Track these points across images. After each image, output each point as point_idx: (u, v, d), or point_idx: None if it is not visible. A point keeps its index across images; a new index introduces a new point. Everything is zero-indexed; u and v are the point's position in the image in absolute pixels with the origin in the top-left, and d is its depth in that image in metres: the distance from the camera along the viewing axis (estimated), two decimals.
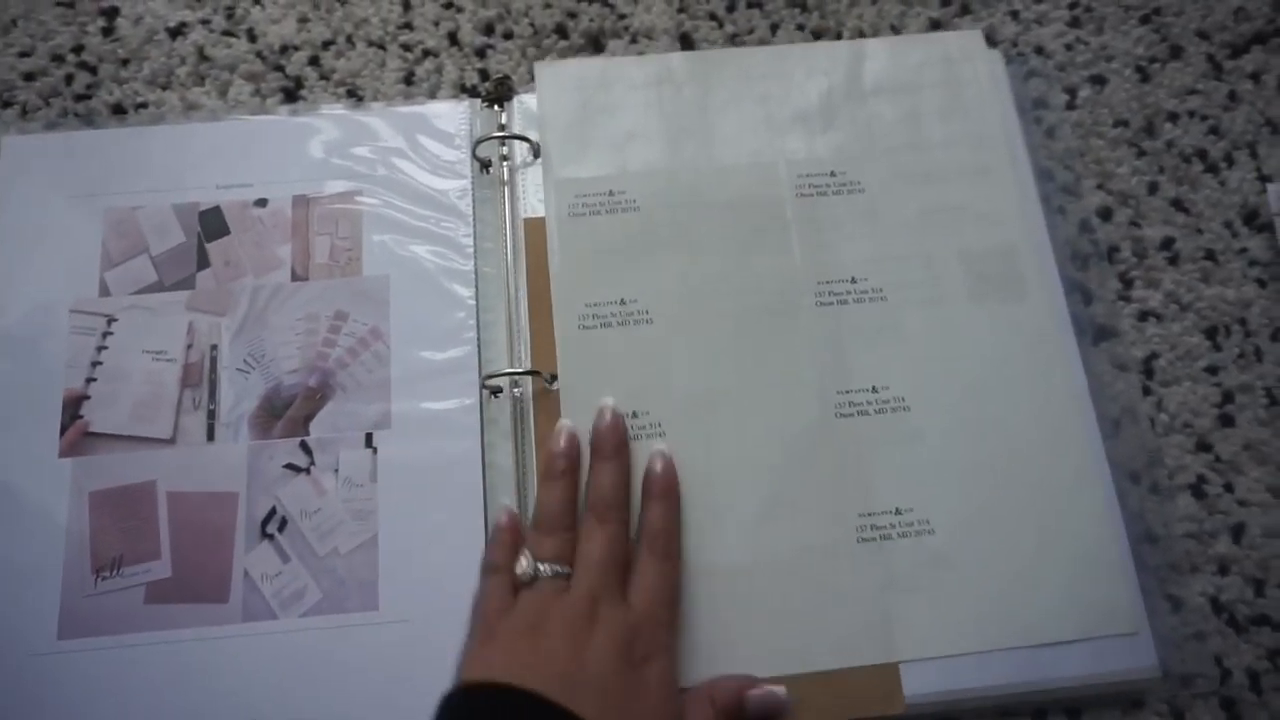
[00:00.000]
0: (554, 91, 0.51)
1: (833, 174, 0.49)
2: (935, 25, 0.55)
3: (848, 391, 0.45)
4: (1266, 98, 0.53)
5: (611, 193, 0.48)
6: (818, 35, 0.54)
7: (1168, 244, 0.50)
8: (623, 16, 0.55)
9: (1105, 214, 0.50)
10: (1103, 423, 0.45)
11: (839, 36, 0.54)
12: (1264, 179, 0.51)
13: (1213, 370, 0.48)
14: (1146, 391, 0.47)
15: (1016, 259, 0.47)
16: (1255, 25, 0.55)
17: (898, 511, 0.43)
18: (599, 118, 0.50)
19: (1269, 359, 0.48)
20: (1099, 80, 0.53)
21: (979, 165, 0.49)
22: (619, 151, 0.49)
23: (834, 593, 0.42)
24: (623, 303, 0.46)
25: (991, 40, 0.54)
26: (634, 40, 0.54)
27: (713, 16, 0.55)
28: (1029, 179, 0.50)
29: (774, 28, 0.55)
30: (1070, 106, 0.53)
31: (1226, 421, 0.47)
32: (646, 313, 0.46)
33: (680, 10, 0.55)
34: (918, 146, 0.50)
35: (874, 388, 0.45)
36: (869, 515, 0.43)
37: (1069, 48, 0.54)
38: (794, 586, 0.42)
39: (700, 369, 0.45)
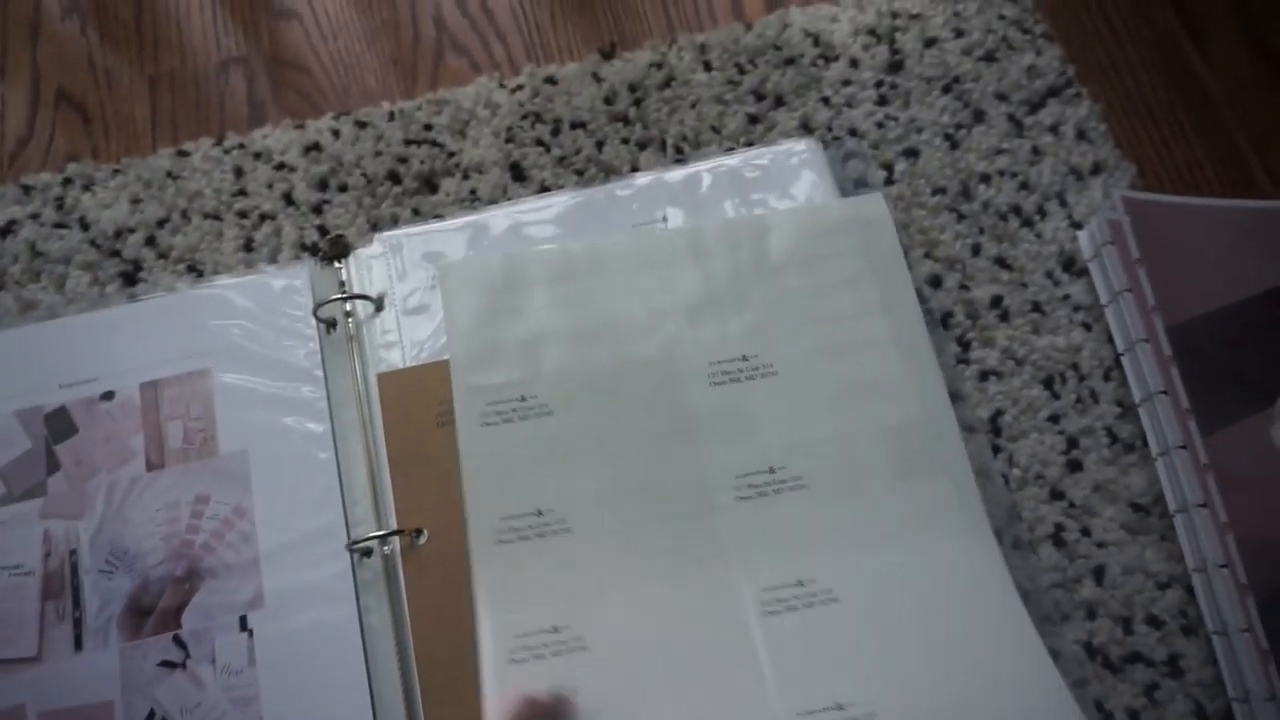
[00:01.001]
0: (457, 294, 0.49)
1: (744, 358, 0.48)
2: (753, 120, 0.57)
3: (774, 588, 0.44)
4: (1067, 147, 0.56)
5: (524, 398, 0.47)
6: (643, 146, 0.56)
7: (997, 302, 0.52)
8: (452, 154, 0.56)
9: (935, 281, 0.53)
10: None
11: (663, 145, 0.56)
12: (1075, 225, 0.54)
13: (1055, 419, 0.50)
14: (996, 450, 0.49)
15: (935, 432, 0.47)
16: (1048, 80, 0.58)
17: (840, 707, 0.41)
18: (505, 318, 0.49)
19: (1104, 399, 0.50)
20: (912, 153, 0.56)
21: (891, 335, 0.49)
22: (529, 353, 0.48)
23: None
24: (539, 514, 0.45)
25: (807, 128, 0.57)
26: (465, 176, 0.55)
27: (539, 142, 0.56)
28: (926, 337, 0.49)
29: (600, 145, 0.56)
30: (889, 182, 0.55)
31: (1075, 466, 0.49)
32: (564, 521, 0.45)
33: (508, 140, 0.56)
34: (829, 320, 0.49)
35: (800, 581, 0.44)
36: (808, 714, 0.41)
37: (880, 125, 0.57)
38: None
39: (623, 576, 0.44)
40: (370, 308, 0.51)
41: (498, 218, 0.53)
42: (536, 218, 0.53)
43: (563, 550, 0.44)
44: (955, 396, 0.49)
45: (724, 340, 0.49)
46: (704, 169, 0.54)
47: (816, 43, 0.59)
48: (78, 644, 0.44)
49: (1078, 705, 0.42)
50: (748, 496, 0.45)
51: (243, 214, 0.55)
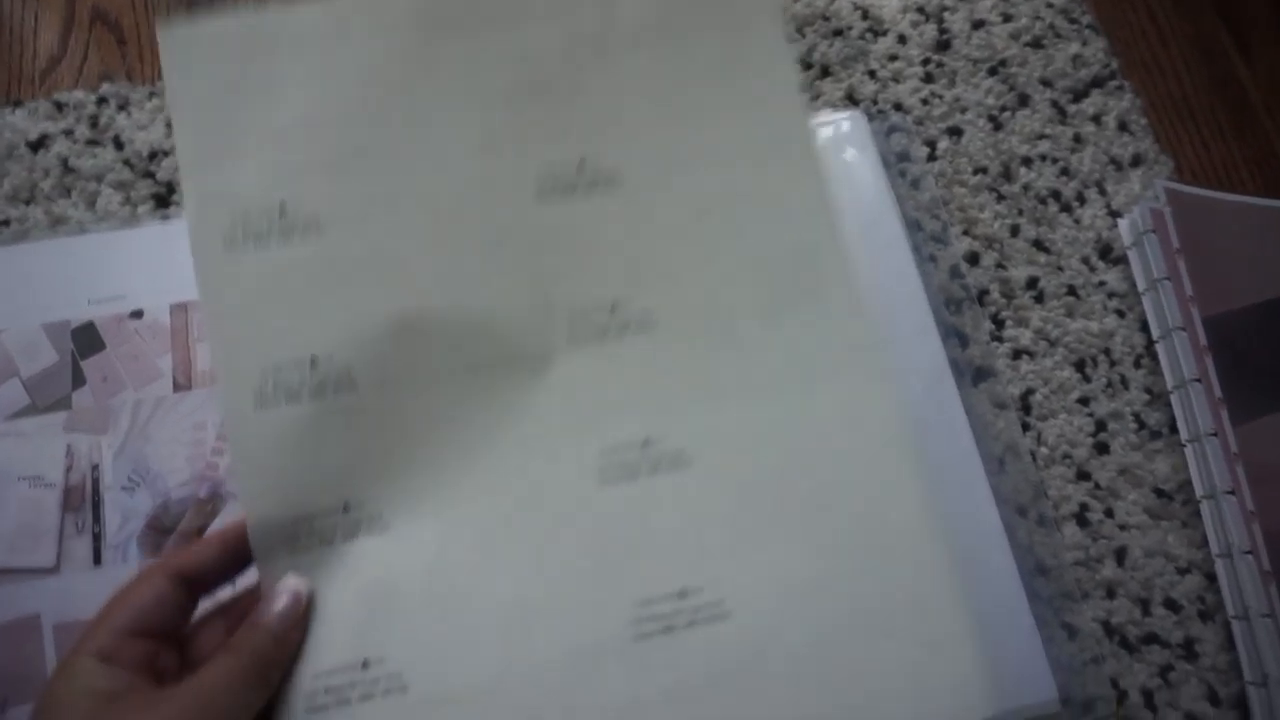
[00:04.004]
0: (184, 65, 0.35)
1: (582, 163, 0.36)
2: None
3: (614, 449, 0.35)
4: (1109, 138, 0.57)
5: (284, 208, 0.34)
6: None
7: (1033, 283, 0.52)
8: None
9: (973, 259, 0.53)
10: (988, 461, 0.47)
11: None
12: (1114, 214, 0.54)
13: (1084, 401, 0.50)
14: (1025, 427, 0.49)
15: (815, 260, 0.37)
16: (1092, 70, 0.58)
17: (683, 594, 0.34)
18: (255, 98, 0.35)
19: (1134, 385, 0.50)
20: (956, 131, 0.56)
21: (767, 140, 0.37)
22: (292, 148, 0.35)
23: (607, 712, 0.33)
24: (314, 364, 0.34)
25: (853, 99, 0.57)
26: None
27: None
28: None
29: None
30: (931, 158, 0.55)
31: (1102, 449, 0.49)
32: (349, 373, 0.34)
33: None
34: (690, 117, 0.37)
35: (647, 440, 0.36)
36: (648, 603, 0.34)
37: (925, 102, 0.57)
38: (557, 709, 0.33)
39: (432, 439, 0.35)
40: None
41: None
42: None
43: (349, 410, 0.34)
44: (988, 372, 0.50)
45: (554, 139, 0.36)
46: None
47: (865, 16, 0.59)
48: (96, 558, 0.44)
49: (959, 595, 0.34)
50: (583, 339, 0.36)
51: None
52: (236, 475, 0.34)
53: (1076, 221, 0.54)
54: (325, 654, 0.33)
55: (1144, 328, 0.51)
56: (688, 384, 0.36)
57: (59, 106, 0.55)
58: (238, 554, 0.33)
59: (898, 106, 0.57)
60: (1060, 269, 0.53)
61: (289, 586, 0.32)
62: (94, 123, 0.54)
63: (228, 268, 0.34)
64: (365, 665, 0.33)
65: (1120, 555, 0.47)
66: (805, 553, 0.35)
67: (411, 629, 0.33)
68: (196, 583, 0.32)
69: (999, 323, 0.51)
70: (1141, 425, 0.50)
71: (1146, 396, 0.50)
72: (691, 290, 0.37)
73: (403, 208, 0.35)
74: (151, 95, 0.55)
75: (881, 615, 0.34)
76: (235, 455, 0.33)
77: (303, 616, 0.32)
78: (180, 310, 0.48)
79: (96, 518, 0.45)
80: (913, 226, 0.53)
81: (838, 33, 0.59)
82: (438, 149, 0.36)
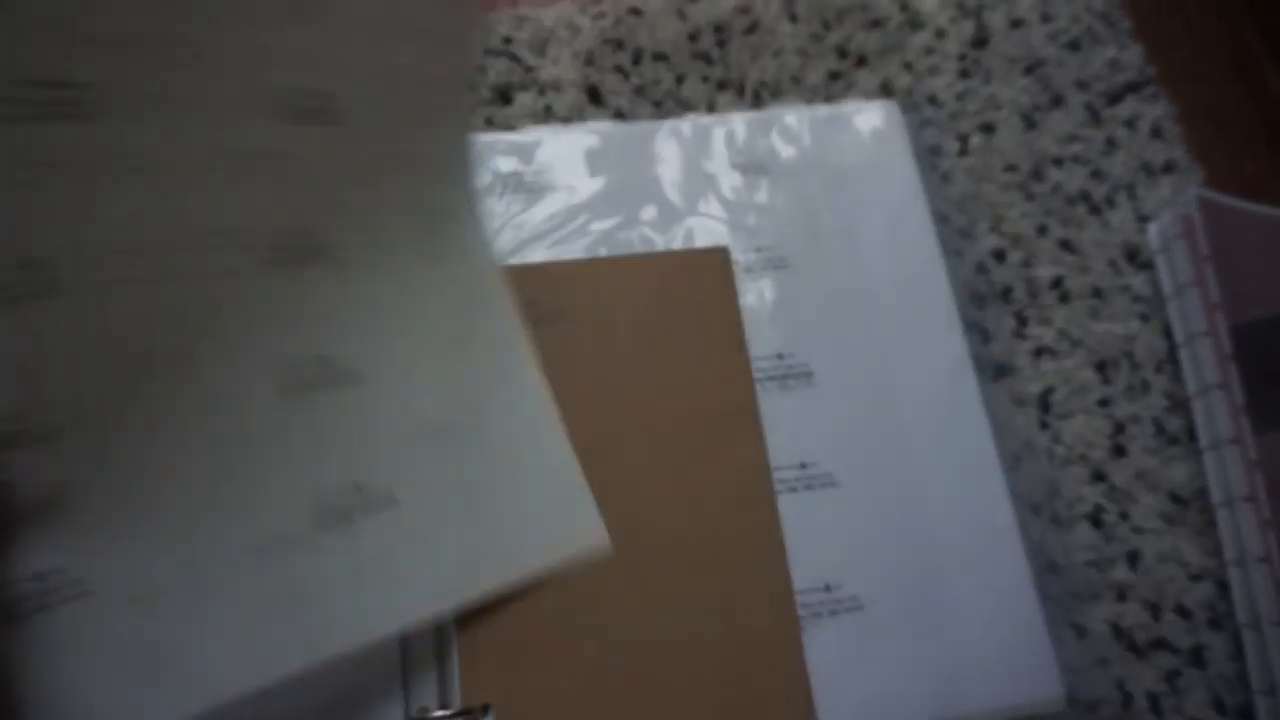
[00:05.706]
0: None
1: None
2: (835, 76, 0.57)
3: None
4: (1141, 143, 0.56)
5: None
6: (722, 87, 0.56)
7: (1058, 283, 0.52)
8: (530, 69, 0.56)
9: (999, 255, 0.53)
10: (1004, 457, 0.47)
11: (741, 89, 0.56)
12: (1143, 219, 0.54)
13: (1104, 403, 0.50)
14: (1043, 425, 0.49)
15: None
16: (1128, 76, 0.58)
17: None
18: None
19: (1155, 390, 0.50)
20: (988, 128, 0.56)
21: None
22: None
23: None
24: None
25: (887, 91, 0.57)
26: (541, 92, 0.55)
27: (619, 69, 0.56)
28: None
29: (679, 80, 0.56)
30: (963, 153, 0.55)
31: (1119, 452, 0.49)
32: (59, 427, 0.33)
33: (587, 63, 0.56)
34: None
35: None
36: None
37: (960, 97, 0.57)
38: None
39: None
40: None
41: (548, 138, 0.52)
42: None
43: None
44: (1008, 369, 0.49)
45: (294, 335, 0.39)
46: (785, 117, 0.54)
47: (904, 8, 0.59)
48: None
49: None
50: (331, 521, 0.37)
51: None
52: None
53: (1105, 224, 0.54)
54: None
55: (1167, 333, 0.51)
56: (433, 549, 0.39)
57: None
58: None
59: (931, 100, 0.56)
60: (1086, 270, 0.53)
61: None
62: None
63: None
64: (39, 578, 0.31)
65: (1133, 558, 0.47)
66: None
67: (89, 536, 0.32)
68: None
69: (1022, 320, 0.51)
70: (1160, 430, 0.49)
71: (1166, 402, 0.50)
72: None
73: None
74: None
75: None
76: None
77: None
78: None
79: None
80: (940, 220, 0.52)
81: (875, 23, 0.58)
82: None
